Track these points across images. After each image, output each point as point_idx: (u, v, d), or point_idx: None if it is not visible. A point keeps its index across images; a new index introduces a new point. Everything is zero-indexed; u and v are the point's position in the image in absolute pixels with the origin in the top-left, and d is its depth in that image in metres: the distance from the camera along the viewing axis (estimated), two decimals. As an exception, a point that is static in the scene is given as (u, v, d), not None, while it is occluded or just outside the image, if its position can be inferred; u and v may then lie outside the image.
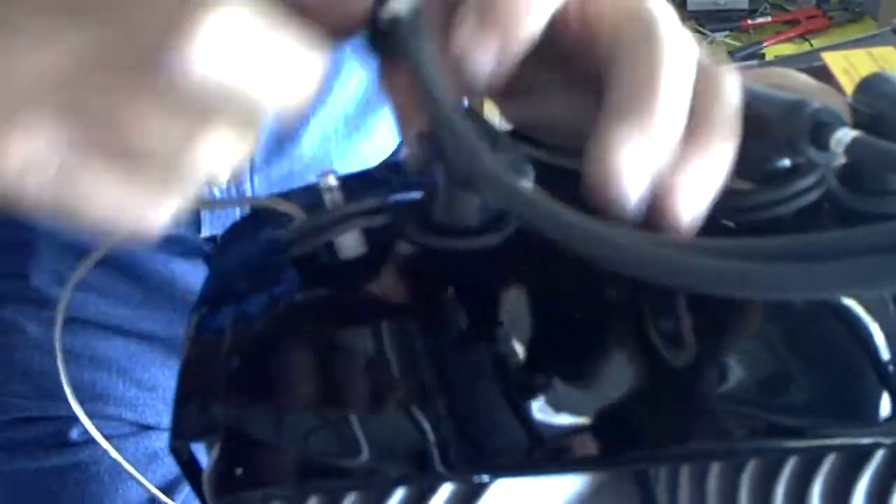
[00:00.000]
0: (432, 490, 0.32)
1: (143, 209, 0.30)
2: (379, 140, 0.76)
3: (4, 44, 0.29)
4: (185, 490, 0.70)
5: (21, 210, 0.30)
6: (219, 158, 0.30)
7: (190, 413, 0.32)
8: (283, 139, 0.70)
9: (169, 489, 0.69)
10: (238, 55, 0.28)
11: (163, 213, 0.30)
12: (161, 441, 0.71)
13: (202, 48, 0.27)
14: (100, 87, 0.28)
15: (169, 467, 0.70)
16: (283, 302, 0.33)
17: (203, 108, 0.29)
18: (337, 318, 0.33)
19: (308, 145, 0.71)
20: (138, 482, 0.68)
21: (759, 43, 1.83)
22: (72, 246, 0.67)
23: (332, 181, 0.35)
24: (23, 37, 0.28)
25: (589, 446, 0.30)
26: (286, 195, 0.36)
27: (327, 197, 0.35)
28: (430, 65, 0.32)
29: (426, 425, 0.30)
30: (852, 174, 0.35)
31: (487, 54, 0.32)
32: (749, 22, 1.88)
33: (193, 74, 0.27)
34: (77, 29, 0.28)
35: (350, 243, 0.34)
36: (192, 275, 0.72)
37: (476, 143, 0.30)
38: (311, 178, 0.35)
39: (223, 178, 0.31)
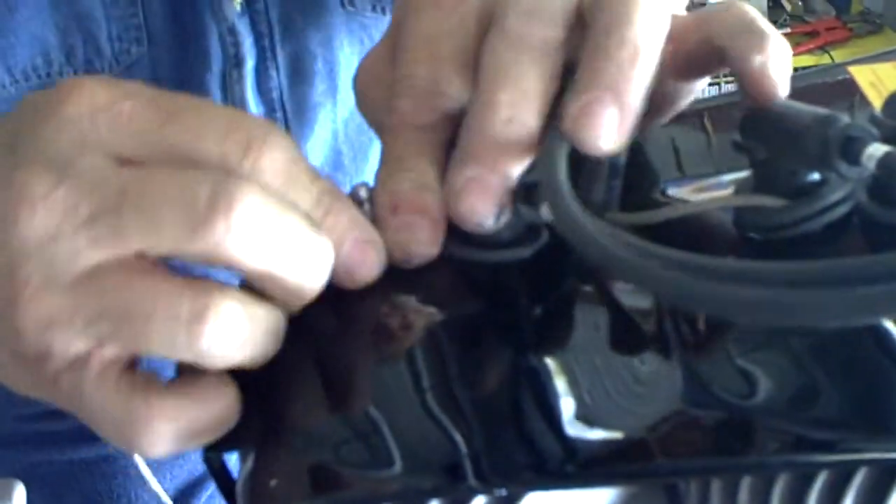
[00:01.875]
0: (466, 502, 0.32)
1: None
2: None
3: None
4: (210, 488, 0.70)
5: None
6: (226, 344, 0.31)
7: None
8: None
9: (193, 487, 0.70)
10: (261, 243, 0.30)
11: (164, 438, 0.31)
12: None
13: (229, 242, 0.30)
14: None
15: (194, 464, 0.71)
16: (317, 312, 0.33)
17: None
18: (370, 330, 0.34)
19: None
20: (169, 473, 0.69)
21: (779, 54, 1.82)
22: None
23: (364, 193, 0.35)
24: None
25: (620, 459, 0.30)
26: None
27: (360, 208, 0.35)
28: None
29: (459, 438, 0.30)
30: (882, 188, 0.35)
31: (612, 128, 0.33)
32: (768, 33, 1.87)
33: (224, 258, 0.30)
34: None
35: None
36: (224, 277, 0.72)
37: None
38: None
39: None
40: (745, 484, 0.33)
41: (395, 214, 0.34)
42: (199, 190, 0.29)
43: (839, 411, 0.31)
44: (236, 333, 0.30)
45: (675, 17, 0.35)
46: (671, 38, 0.35)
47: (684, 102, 0.39)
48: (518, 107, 0.33)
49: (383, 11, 0.65)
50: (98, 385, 0.31)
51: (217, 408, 0.32)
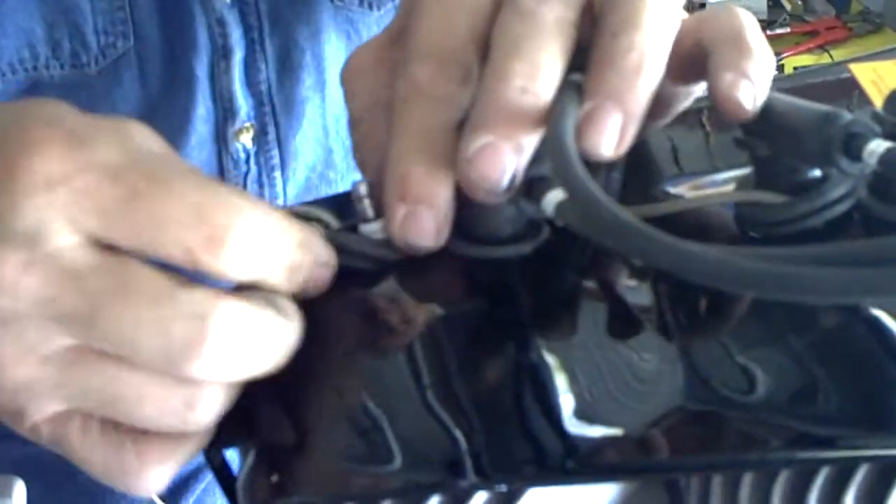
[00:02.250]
0: (466, 498, 0.32)
1: (138, 477, 0.32)
2: None
3: None
4: (203, 482, 0.70)
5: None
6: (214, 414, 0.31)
7: (225, 420, 0.32)
8: None
9: (186, 482, 0.70)
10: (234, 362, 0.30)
11: (157, 479, 0.32)
12: None
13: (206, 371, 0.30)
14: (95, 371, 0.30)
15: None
16: (318, 308, 0.33)
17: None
18: (370, 326, 0.34)
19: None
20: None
21: (779, 54, 1.82)
22: None
23: (363, 189, 0.35)
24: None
25: (621, 455, 0.30)
26: (320, 202, 0.36)
27: (359, 205, 0.35)
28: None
29: (459, 434, 0.30)
30: (884, 185, 0.35)
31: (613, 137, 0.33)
32: (768, 33, 1.88)
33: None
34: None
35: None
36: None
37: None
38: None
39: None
40: (747, 480, 0.33)
41: (402, 203, 0.33)
42: (174, 328, 0.29)
43: (840, 407, 0.31)
44: (227, 405, 0.31)
45: None
46: None
47: (682, 105, 0.39)
48: (532, 78, 0.33)
49: (370, 7, 0.65)
50: (82, 438, 0.32)
51: (202, 440, 0.32)
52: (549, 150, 0.32)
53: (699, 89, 0.39)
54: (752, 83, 0.34)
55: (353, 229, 0.35)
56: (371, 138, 0.37)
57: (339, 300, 0.34)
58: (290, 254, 0.32)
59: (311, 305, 0.32)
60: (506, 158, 0.32)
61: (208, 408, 0.31)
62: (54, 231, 0.29)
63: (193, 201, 0.30)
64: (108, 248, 0.30)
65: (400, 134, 0.34)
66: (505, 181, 0.33)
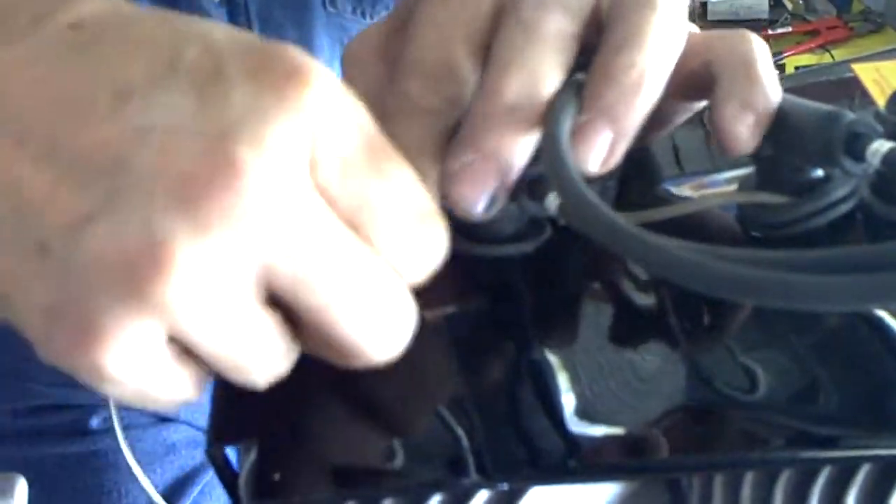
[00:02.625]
0: (468, 496, 0.32)
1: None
2: None
3: None
4: (202, 482, 0.71)
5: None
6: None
7: (227, 417, 0.32)
8: None
9: (186, 480, 0.70)
10: None
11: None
12: (178, 433, 0.72)
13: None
14: None
15: (186, 459, 0.71)
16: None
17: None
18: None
19: None
20: (157, 470, 0.69)
21: (780, 53, 1.82)
22: None
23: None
24: None
25: (622, 454, 0.30)
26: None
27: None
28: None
29: (461, 432, 0.30)
30: (887, 185, 0.35)
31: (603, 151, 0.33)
32: (769, 32, 1.88)
33: None
34: None
35: None
36: None
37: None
38: None
39: None
40: (748, 480, 0.33)
41: None
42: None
43: (842, 407, 0.31)
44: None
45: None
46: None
47: (682, 119, 0.39)
48: (523, 98, 0.32)
49: (363, 14, 0.65)
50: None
51: None
52: (543, 151, 0.32)
53: (699, 106, 0.39)
54: (757, 118, 0.34)
55: None
56: None
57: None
58: (439, 255, 0.30)
59: None
60: (486, 179, 0.32)
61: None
62: (303, 164, 0.26)
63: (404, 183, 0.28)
64: (332, 200, 0.27)
65: None
66: (482, 203, 0.32)
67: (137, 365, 0.26)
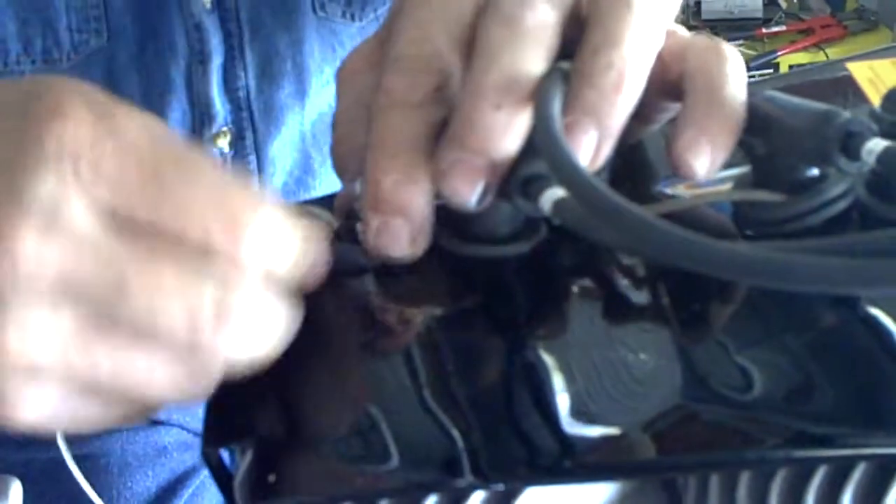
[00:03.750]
0: (463, 497, 0.32)
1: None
2: None
3: None
4: (193, 485, 0.70)
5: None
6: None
7: (222, 419, 0.32)
8: None
9: (177, 483, 0.70)
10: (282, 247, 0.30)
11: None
12: (170, 436, 0.72)
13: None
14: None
15: (177, 462, 0.71)
16: (316, 307, 0.33)
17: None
18: (368, 326, 0.34)
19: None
20: (152, 471, 0.69)
21: (774, 52, 1.83)
22: None
23: (360, 188, 0.35)
24: None
25: (618, 455, 0.30)
26: (319, 201, 0.36)
27: (355, 205, 0.35)
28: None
29: (457, 433, 0.30)
30: (882, 183, 0.35)
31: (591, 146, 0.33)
32: (763, 31, 1.88)
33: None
34: None
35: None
36: None
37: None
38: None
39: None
40: (744, 479, 0.33)
41: (375, 214, 0.33)
42: (202, 298, 0.29)
43: (838, 406, 0.31)
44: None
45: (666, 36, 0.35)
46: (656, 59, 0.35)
47: (666, 118, 0.39)
48: (507, 92, 0.33)
49: (353, 18, 0.65)
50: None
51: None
52: (536, 133, 0.32)
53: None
54: (712, 147, 0.34)
55: (353, 229, 0.35)
56: (348, 140, 0.37)
57: (337, 300, 0.34)
58: (297, 247, 0.32)
59: (309, 305, 0.32)
60: (476, 174, 0.33)
61: (210, 382, 0.30)
62: (73, 202, 0.28)
63: (216, 186, 0.30)
64: (127, 221, 0.29)
65: (374, 143, 0.34)
66: (475, 198, 0.33)
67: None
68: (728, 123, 0.34)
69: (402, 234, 0.33)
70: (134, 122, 0.30)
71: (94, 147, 0.29)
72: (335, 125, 0.38)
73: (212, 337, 0.29)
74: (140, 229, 0.29)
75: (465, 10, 0.34)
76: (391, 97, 0.34)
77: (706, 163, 0.34)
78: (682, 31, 0.37)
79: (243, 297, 0.29)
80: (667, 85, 0.35)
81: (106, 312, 0.29)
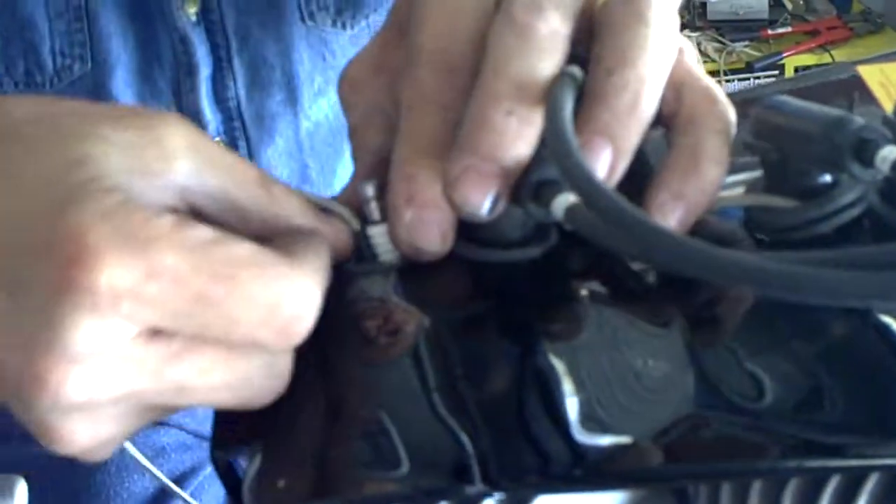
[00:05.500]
0: (474, 504, 0.31)
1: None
2: None
3: None
4: (192, 485, 0.71)
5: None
6: None
7: (231, 423, 0.32)
8: None
9: (176, 484, 0.70)
10: None
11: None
12: (169, 437, 0.72)
13: None
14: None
15: (175, 463, 0.71)
16: (325, 312, 0.32)
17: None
18: (378, 329, 0.33)
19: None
20: (149, 472, 0.69)
21: (779, 53, 1.83)
22: None
23: (370, 191, 0.35)
24: None
25: (629, 463, 0.30)
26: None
27: (365, 207, 0.35)
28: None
29: (467, 439, 0.30)
30: (894, 191, 0.34)
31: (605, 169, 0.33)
32: (769, 32, 1.88)
33: None
34: None
35: (390, 254, 0.34)
36: None
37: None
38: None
39: None
40: (756, 488, 0.33)
41: (409, 207, 0.33)
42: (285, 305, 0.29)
43: (851, 416, 0.30)
44: None
45: None
46: None
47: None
48: (518, 99, 0.32)
49: (343, 27, 0.65)
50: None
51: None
52: (548, 143, 0.32)
53: None
54: (686, 211, 0.34)
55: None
56: (368, 143, 0.37)
57: (348, 305, 0.34)
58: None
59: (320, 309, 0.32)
60: (488, 182, 0.32)
61: (285, 376, 0.31)
62: (117, 333, 0.28)
63: (264, 301, 0.29)
64: (173, 334, 0.30)
65: (406, 138, 0.34)
66: (487, 204, 0.33)
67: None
68: (704, 190, 0.34)
69: (435, 228, 0.33)
70: (169, 243, 0.28)
71: (133, 288, 0.28)
72: (352, 134, 0.37)
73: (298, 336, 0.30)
74: (188, 335, 0.29)
75: (487, 4, 0.34)
76: (422, 94, 0.34)
77: (677, 222, 0.34)
78: (683, 41, 0.36)
79: (315, 293, 0.30)
80: (659, 112, 0.35)
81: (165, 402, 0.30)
